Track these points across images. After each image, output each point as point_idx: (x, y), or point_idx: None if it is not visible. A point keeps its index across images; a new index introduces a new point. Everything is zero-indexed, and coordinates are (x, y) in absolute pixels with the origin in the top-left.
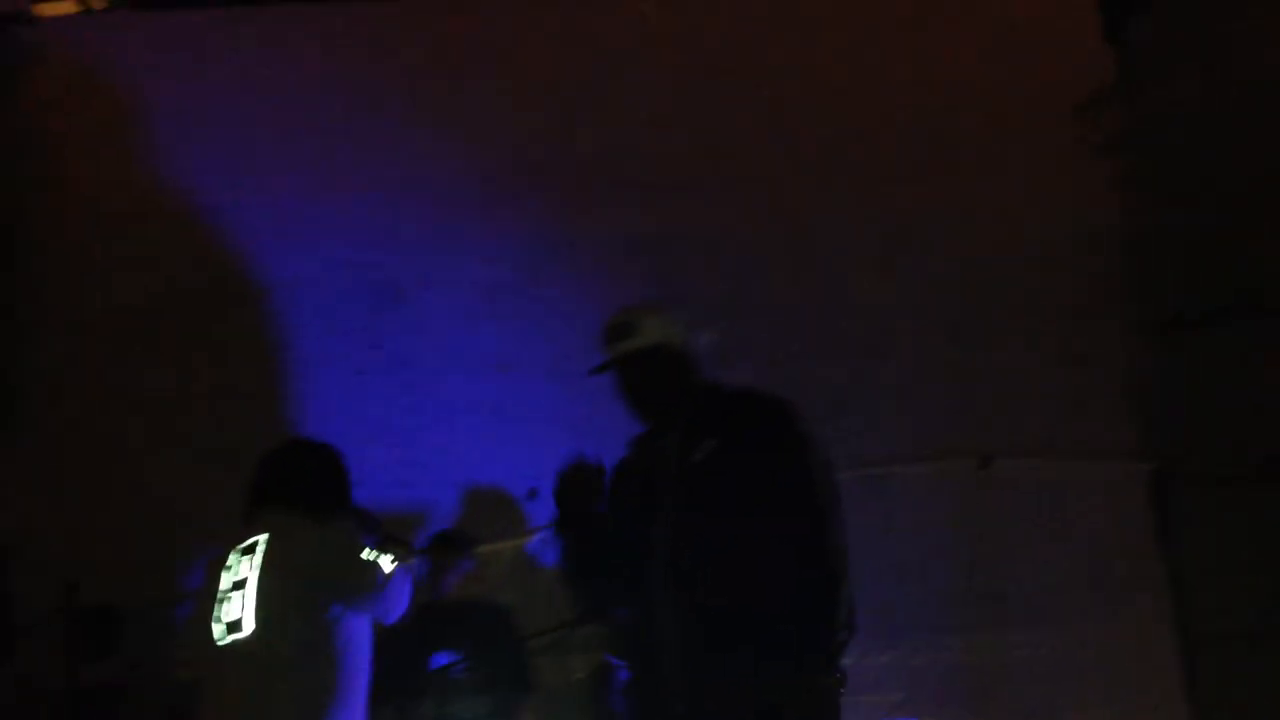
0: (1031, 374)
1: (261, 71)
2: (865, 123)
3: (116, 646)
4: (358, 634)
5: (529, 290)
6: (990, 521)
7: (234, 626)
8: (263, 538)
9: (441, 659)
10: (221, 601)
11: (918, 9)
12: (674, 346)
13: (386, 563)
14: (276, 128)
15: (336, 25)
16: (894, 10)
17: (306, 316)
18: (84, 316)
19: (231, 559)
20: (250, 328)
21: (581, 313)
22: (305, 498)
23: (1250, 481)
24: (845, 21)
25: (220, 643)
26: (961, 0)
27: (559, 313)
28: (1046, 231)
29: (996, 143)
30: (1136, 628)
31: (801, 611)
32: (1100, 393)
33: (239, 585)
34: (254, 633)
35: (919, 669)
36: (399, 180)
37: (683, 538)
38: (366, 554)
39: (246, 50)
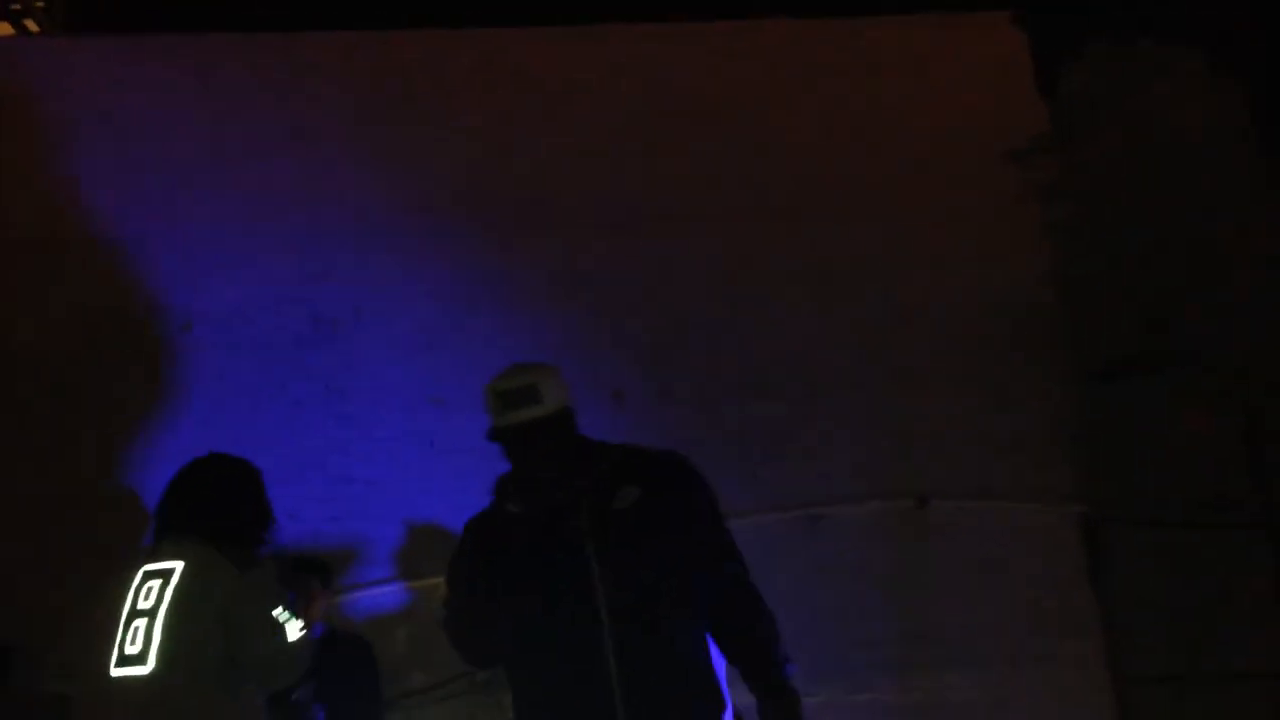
0: (966, 418)
1: (197, 101)
2: (803, 166)
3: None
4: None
5: (464, 324)
6: (926, 562)
7: (132, 660)
8: (178, 566)
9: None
10: (123, 628)
11: (857, 57)
12: (570, 408)
13: (294, 629)
14: (211, 157)
15: (271, 56)
16: (833, 57)
17: (241, 347)
18: (5, 344)
19: (139, 580)
20: (181, 357)
21: (518, 347)
22: (223, 528)
23: (1179, 526)
24: (783, 67)
25: (112, 673)
26: (900, 49)
27: (494, 346)
28: (982, 277)
29: (934, 189)
30: (1069, 669)
31: (761, 639)
32: (1034, 436)
33: (145, 614)
34: (154, 671)
35: (853, 709)
36: (334, 212)
37: (624, 574)
38: (279, 613)
39: (183, 79)
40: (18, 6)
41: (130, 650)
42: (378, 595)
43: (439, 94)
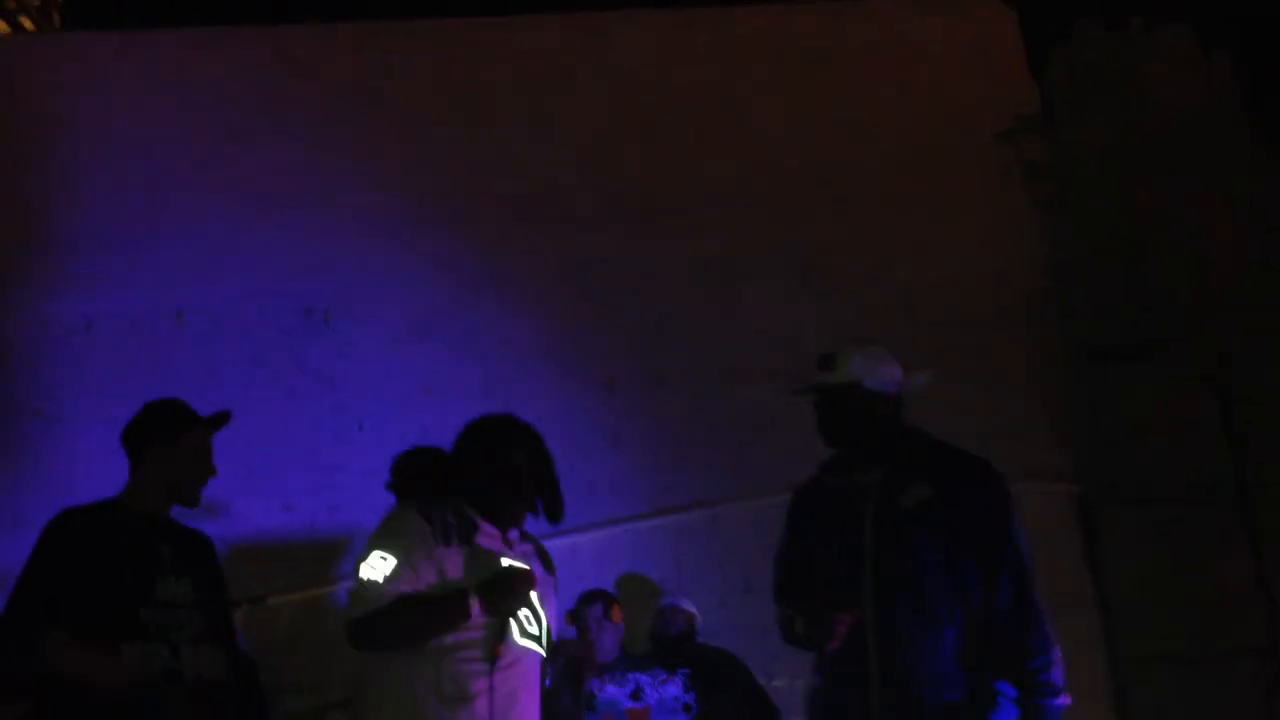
0: (959, 400)
1: (185, 93)
2: (791, 152)
3: None
4: None
5: (457, 315)
6: None
7: (534, 638)
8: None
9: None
10: None
11: (844, 40)
12: (868, 387)
13: None
14: (199, 149)
15: (257, 49)
16: (820, 41)
17: (232, 339)
18: None
19: None
20: (173, 350)
21: (509, 337)
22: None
23: (1172, 505)
24: (766, 52)
25: (519, 641)
26: (891, 30)
27: (487, 337)
28: (973, 260)
29: (923, 171)
30: (1066, 647)
31: (1025, 656)
32: (1028, 417)
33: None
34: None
35: None
36: (325, 204)
37: (889, 578)
38: None
39: (171, 72)
40: (13, 4)
41: (530, 630)
42: None
43: (430, 85)
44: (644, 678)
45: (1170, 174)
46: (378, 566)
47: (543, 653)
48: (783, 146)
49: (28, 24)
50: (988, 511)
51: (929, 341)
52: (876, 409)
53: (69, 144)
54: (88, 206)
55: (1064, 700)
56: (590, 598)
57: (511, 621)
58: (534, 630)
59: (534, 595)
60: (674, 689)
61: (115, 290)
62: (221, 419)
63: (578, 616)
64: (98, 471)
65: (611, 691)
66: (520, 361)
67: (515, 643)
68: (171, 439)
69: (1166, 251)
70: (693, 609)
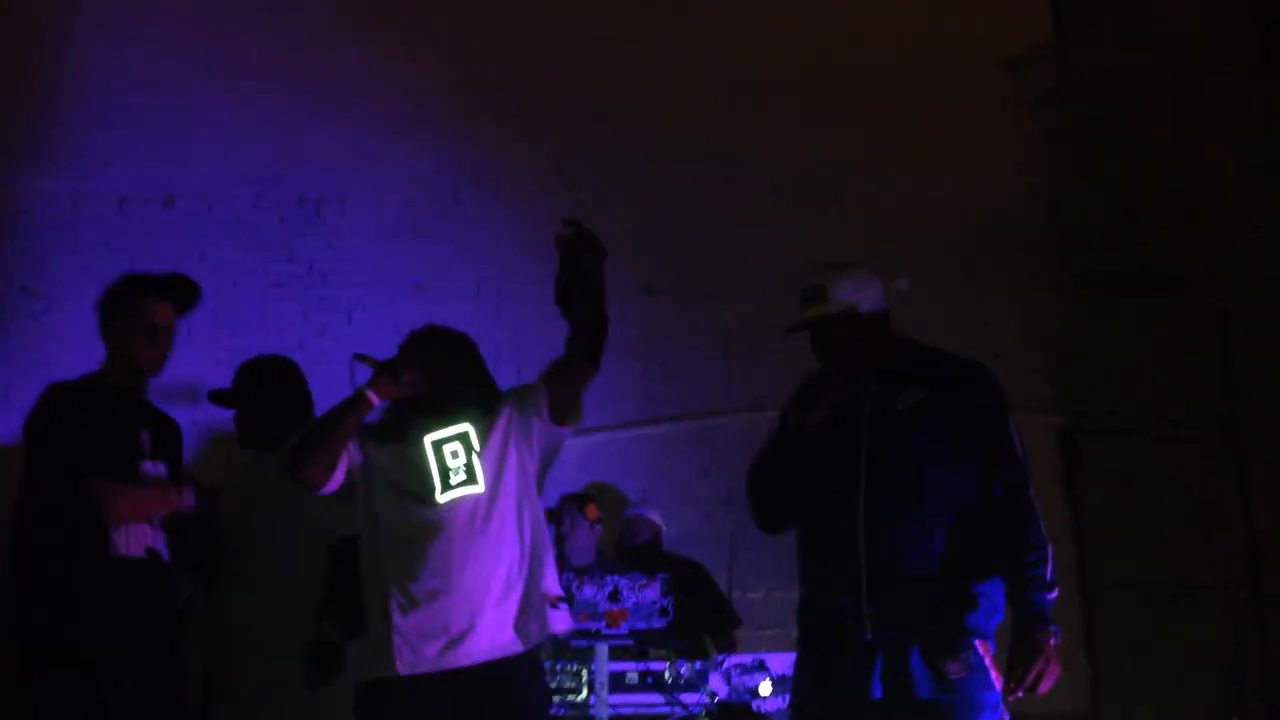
0: (948, 324)
1: None
2: (794, 65)
3: None
4: None
5: (451, 212)
6: None
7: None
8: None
9: None
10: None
11: None
12: (860, 310)
13: None
14: (200, 31)
15: None
16: None
17: (223, 225)
18: None
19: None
20: (163, 233)
21: (503, 239)
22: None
23: (1157, 438)
24: None
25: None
26: None
27: (480, 236)
28: (970, 184)
29: (930, 93)
30: None
31: (1022, 553)
32: (1015, 346)
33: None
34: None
35: None
36: (321, 94)
37: (881, 477)
38: None
39: None
40: None
41: (455, 481)
42: None
43: None
44: (623, 580)
45: (1178, 103)
46: None
47: (479, 490)
48: (785, 59)
49: None
50: (983, 410)
51: (919, 263)
52: (871, 329)
53: (62, 20)
54: (80, 83)
55: (1055, 594)
56: (569, 499)
57: (435, 477)
58: (459, 479)
59: (449, 434)
60: (652, 593)
61: (105, 169)
62: (177, 285)
63: (557, 516)
64: (85, 349)
65: (589, 592)
66: (512, 264)
67: (438, 502)
68: (124, 312)
69: (1169, 182)
70: (658, 520)
